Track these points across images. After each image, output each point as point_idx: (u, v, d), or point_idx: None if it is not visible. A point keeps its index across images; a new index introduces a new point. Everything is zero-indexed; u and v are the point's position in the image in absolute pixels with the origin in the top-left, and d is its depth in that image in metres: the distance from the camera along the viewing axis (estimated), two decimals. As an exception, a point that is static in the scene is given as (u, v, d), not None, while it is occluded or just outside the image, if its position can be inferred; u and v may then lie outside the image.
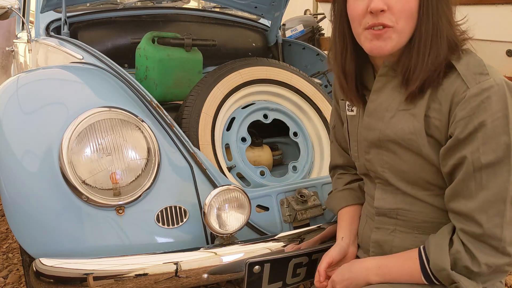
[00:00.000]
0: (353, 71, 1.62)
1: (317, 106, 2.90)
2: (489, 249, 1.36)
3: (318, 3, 8.57)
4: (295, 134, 2.85)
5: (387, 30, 1.42)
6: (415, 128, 1.46)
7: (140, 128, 2.06)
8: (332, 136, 2.02)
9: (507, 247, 1.35)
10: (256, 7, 3.85)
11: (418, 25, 1.43)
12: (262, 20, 4.22)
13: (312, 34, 8.39)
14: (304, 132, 2.86)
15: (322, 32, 8.54)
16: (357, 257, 1.79)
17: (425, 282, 1.46)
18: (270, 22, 4.07)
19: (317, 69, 3.79)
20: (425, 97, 1.45)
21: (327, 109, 2.89)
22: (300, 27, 8.31)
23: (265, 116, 2.81)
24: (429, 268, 1.43)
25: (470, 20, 1.50)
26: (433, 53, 1.42)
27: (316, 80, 3.49)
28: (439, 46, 1.42)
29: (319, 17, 8.99)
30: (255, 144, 2.84)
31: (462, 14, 1.50)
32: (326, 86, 3.64)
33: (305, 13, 9.32)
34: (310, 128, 2.89)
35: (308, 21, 8.53)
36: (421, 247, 1.48)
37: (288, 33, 8.23)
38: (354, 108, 1.73)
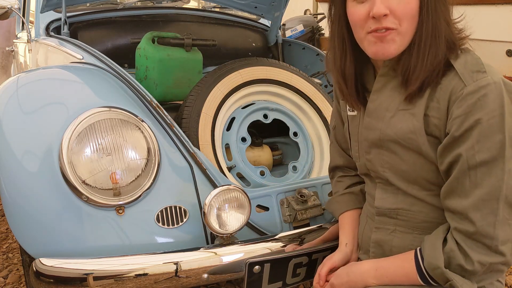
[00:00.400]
0: (352, 74, 1.62)
1: (317, 106, 2.90)
2: (482, 248, 1.36)
3: (318, 3, 8.58)
4: (295, 134, 2.85)
5: (391, 32, 1.42)
6: (415, 127, 1.46)
7: (140, 128, 2.06)
8: (332, 136, 2.01)
9: (499, 245, 1.35)
10: (256, 7, 3.85)
11: (418, 26, 1.43)
12: (262, 20, 4.22)
13: (312, 34, 8.41)
14: (304, 132, 2.86)
15: (322, 32, 8.56)
16: (358, 258, 1.79)
17: (422, 283, 1.46)
18: (270, 22, 4.07)
19: (317, 69, 3.79)
20: (424, 96, 1.45)
21: (327, 109, 2.89)
22: (300, 27, 8.33)
23: (265, 116, 2.81)
24: (424, 267, 1.43)
25: (470, 20, 1.50)
26: (432, 53, 1.42)
27: (316, 80, 3.48)
28: (438, 46, 1.42)
29: (319, 17, 9.01)
30: (255, 144, 2.83)
31: (460, 13, 1.50)
32: (326, 86, 3.64)
33: (305, 13, 9.33)
34: (310, 128, 2.89)
35: (308, 21, 8.54)
36: (418, 248, 1.49)
37: (288, 33, 8.25)
38: (356, 107, 1.72)
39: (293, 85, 2.90)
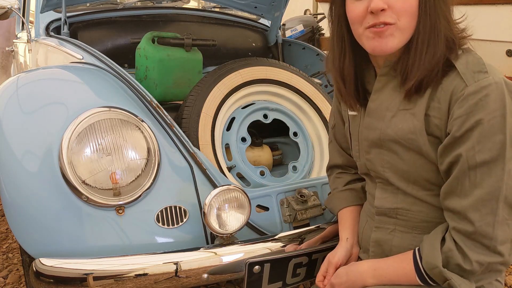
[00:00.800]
0: (352, 75, 1.63)
1: (317, 106, 2.90)
2: (481, 248, 1.36)
3: (318, 3, 8.58)
4: (295, 134, 2.85)
5: (389, 27, 1.42)
6: (416, 127, 1.46)
7: (140, 128, 2.07)
8: (332, 135, 2.02)
9: (498, 246, 1.35)
10: (256, 7, 3.86)
11: (417, 24, 1.43)
12: (262, 20, 4.22)
13: (312, 34, 8.42)
14: (304, 132, 2.86)
15: (322, 32, 8.56)
16: (358, 257, 1.80)
17: (420, 283, 1.46)
18: (270, 22, 4.07)
19: (317, 69, 3.79)
20: (425, 96, 1.45)
21: (327, 109, 2.89)
22: (300, 27, 8.33)
23: (265, 116, 2.81)
24: (422, 266, 1.44)
25: (470, 20, 1.50)
26: (430, 51, 1.42)
27: (316, 80, 3.48)
28: (436, 44, 1.42)
29: (319, 17, 9.01)
30: (255, 144, 2.84)
31: (461, 13, 1.50)
32: (326, 86, 3.64)
33: (305, 13, 9.34)
34: (310, 128, 2.89)
35: (308, 21, 8.55)
36: (416, 248, 1.49)
37: (288, 33, 8.25)
38: (356, 107, 1.72)
39: (293, 85, 2.90)
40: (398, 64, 1.51)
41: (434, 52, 1.42)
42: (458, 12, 1.50)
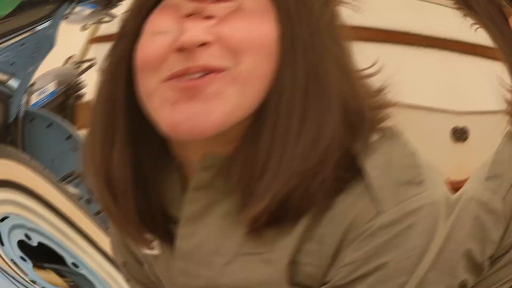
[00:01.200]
0: (128, 181, 0.97)
1: (85, 233, 2.38)
2: None
3: (92, 44, 8.09)
4: (75, 265, 2.35)
5: (214, 78, 0.83)
6: (271, 278, 0.97)
7: None
8: (127, 274, 1.50)
9: None
10: (13, 63, 3.20)
11: (278, 72, 0.86)
12: (10, 82, 3.62)
13: (66, 97, 7.85)
14: (86, 265, 2.38)
15: (82, 92, 8.03)
16: None
17: None
18: (19, 82, 3.45)
19: (69, 168, 3.05)
20: (294, 232, 0.92)
21: (101, 238, 2.32)
22: (51, 87, 7.72)
23: (28, 237, 2.32)
24: None
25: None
26: (310, 130, 0.84)
27: (71, 189, 2.78)
28: (322, 116, 0.86)
29: (85, 65, 8.50)
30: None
31: (375, 57, 0.95)
32: (89, 202, 2.89)
33: (66, 62, 8.84)
34: (90, 261, 2.40)
35: (65, 75, 7.97)
36: None
37: (35, 98, 7.68)
38: (155, 243, 1.15)
39: (43, 197, 2.45)
40: (233, 164, 0.90)
41: (317, 133, 0.85)
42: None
